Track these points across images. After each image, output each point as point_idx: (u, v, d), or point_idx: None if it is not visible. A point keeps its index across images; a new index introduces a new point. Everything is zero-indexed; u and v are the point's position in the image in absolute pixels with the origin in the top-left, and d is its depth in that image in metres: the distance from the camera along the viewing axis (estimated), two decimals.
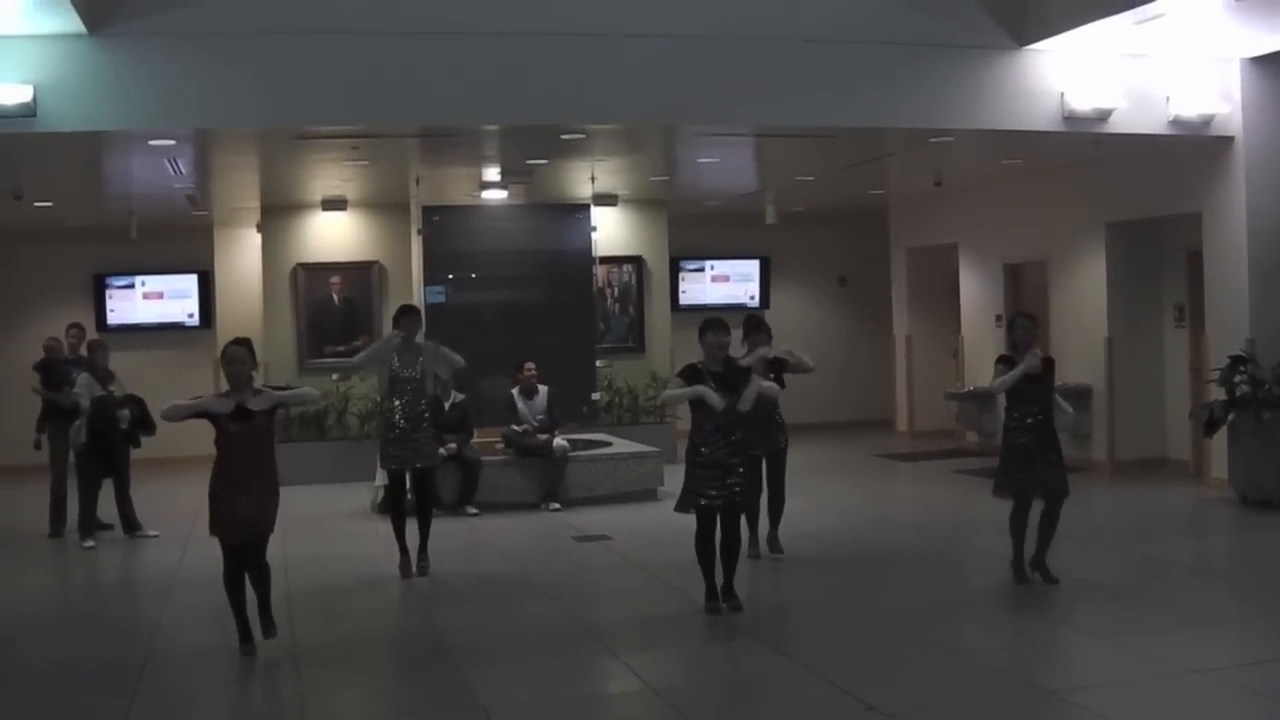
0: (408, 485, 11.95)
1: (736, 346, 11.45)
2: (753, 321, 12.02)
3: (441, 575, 11.64)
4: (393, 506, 12.01)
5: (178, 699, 8.38)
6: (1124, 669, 8.27)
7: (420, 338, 12.00)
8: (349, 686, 8.70)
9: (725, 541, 9.91)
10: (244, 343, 9.18)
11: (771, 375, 11.57)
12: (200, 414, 8.91)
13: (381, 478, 15.17)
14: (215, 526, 8.97)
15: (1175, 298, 16.84)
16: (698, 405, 9.74)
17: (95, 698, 8.28)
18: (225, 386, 9.09)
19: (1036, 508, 10.59)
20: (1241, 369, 14.03)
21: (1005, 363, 10.50)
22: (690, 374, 9.81)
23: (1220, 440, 14.50)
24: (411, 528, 11.76)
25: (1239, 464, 14.15)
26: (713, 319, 10.03)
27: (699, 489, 9.78)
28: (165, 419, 9.09)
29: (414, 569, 11.64)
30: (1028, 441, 10.41)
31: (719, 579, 9.92)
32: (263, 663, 8.91)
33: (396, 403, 11.64)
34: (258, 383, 9.14)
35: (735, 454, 9.78)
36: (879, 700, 7.59)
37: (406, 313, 11.94)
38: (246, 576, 9.11)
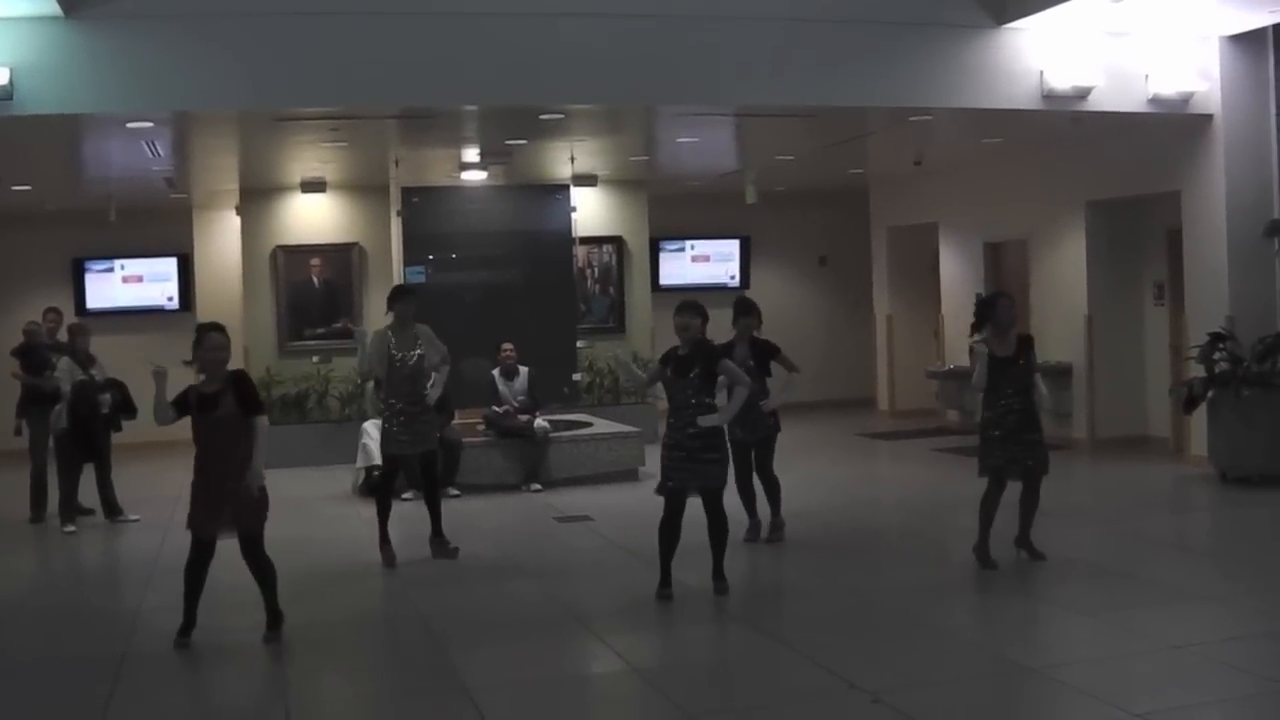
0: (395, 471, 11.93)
1: (725, 329, 11.47)
2: (741, 304, 11.98)
3: (423, 557, 11.62)
4: (382, 494, 11.80)
5: (161, 684, 8.36)
6: (1105, 645, 8.32)
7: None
8: (333, 669, 8.70)
9: (710, 526, 9.91)
10: (222, 329, 9.08)
11: (752, 362, 11.59)
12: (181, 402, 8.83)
13: (363, 460, 15.22)
14: (191, 520, 8.88)
15: (1155, 276, 16.88)
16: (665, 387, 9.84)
17: (78, 683, 8.26)
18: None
19: (1014, 489, 10.58)
20: (1221, 346, 14.08)
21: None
22: (663, 359, 9.91)
23: (1200, 417, 14.54)
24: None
25: (1219, 441, 14.19)
26: (686, 301, 10.02)
27: (664, 472, 9.89)
28: (162, 423, 8.98)
29: (396, 559, 11.56)
30: (1004, 421, 10.38)
31: (670, 564, 9.91)
32: (247, 646, 8.88)
33: (398, 387, 11.54)
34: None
35: (697, 438, 9.78)
36: (862, 678, 7.61)
37: (401, 295, 11.82)
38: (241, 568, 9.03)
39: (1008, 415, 10.35)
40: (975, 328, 10.70)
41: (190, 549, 8.94)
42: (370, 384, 16.25)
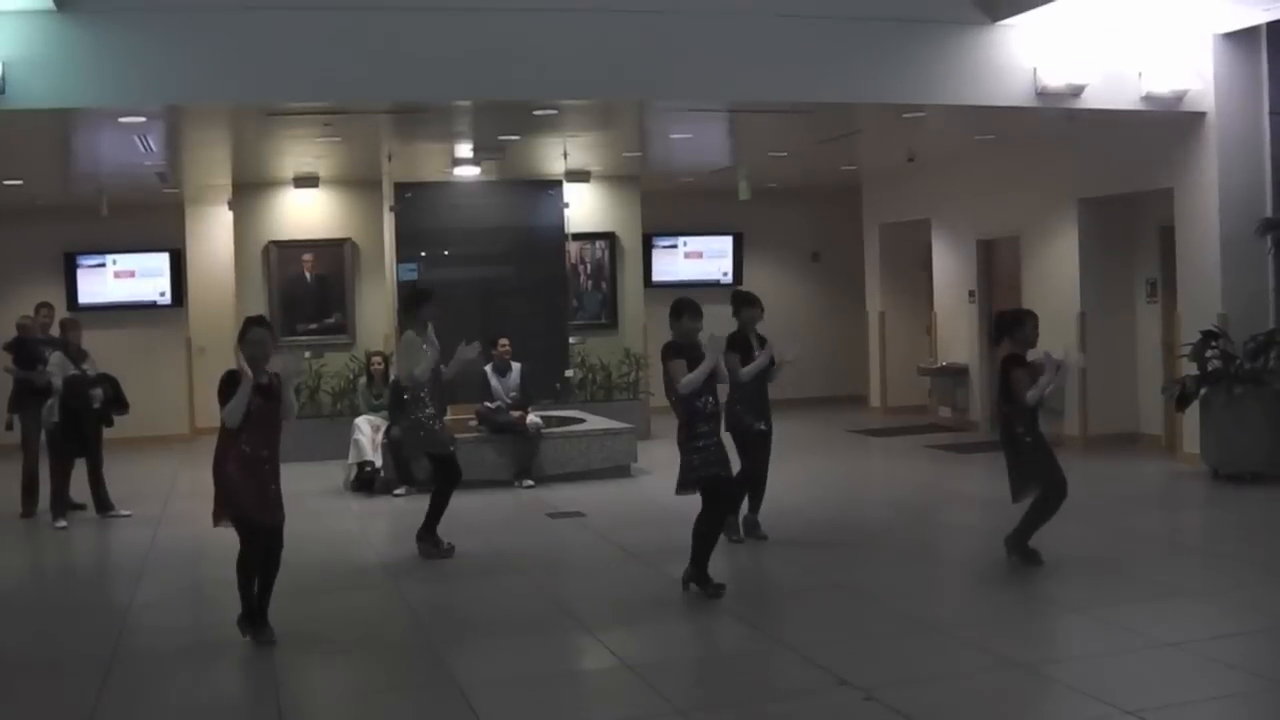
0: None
1: (726, 322, 11.40)
2: (741, 297, 11.89)
3: (414, 552, 11.60)
4: (442, 490, 11.72)
5: (151, 679, 8.33)
6: (1097, 642, 8.32)
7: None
8: (325, 665, 8.68)
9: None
10: (265, 323, 9.13)
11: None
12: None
13: (354, 455, 15.23)
14: (231, 509, 8.81)
15: (1147, 273, 16.88)
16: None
17: (67, 679, 8.25)
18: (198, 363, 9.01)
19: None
20: (1213, 344, 14.09)
21: (1018, 364, 10.34)
22: (677, 352, 9.74)
23: (1192, 415, 14.55)
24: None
25: (1210, 438, 14.20)
26: (687, 301, 9.96)
27: (712, 460, 9.73)
28: (231, 424, 8.77)
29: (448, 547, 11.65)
30: (1036, 434, 10.37)
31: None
32: (237, 643, 8.86)
33: (426, 388, 11.55)
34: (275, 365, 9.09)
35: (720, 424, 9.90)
36: (853, 675, 7.61)
37: (428, 298, 11.75)
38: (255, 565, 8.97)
39: (1035, 427, 10.39)
40: (995, 341, 10.76)
41: (247, 542, 8.85)
42: (363, 379, 16.28)
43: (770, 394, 11.80)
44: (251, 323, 9.08)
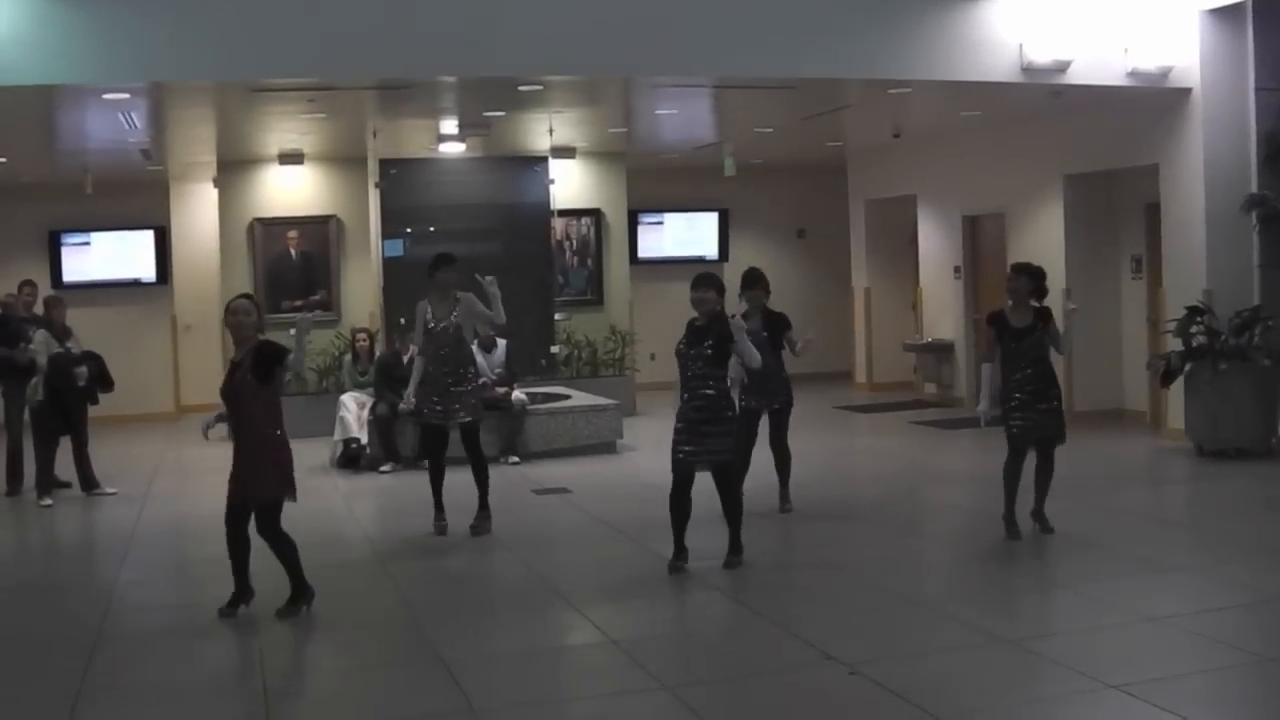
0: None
1: (734, 300, 11.39)
2: (750, 276, 11.98)
3: (400, 529, 11.62)
4: (432, 464, 11.68)
5: (136, 656, 8.33)
6: (1081, 617, 8.36)
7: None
8: (309, 641, 8.69)
9: (721, 502, 9.93)
10: (249, 297, 9.11)
11: (765, 334, 11.58)
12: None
13: (340, 432, 15.21)
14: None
15: (1133, 249, 16.90)
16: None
17: (53, 656, 8.24)
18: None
19: (1030, 459, 10.61)
20: (1198, 320, 14.10)
21: (993, 323, 10.49)
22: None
23: (1177, 391, 14.58)
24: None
25: (1195, 415, 14.23)
26: (702, 274, 10.03)
27: (674, 442, 9.80)
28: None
29: (447, 526, 11.54)
30: (1020, 390, 10.39)
31: (682, 536, 9.88)
32: (222, 619, 8.86)
33: (433, 355, 11.40)
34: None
35: (703, 410, 9.75)
36: (839, 650, 7.62)
37: (442, 263, 11.51)
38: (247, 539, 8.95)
39: (1020, 384, 10.39)
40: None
41: (226, 520, 8.91)
42: (349, 356, 16.27)
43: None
44: (236, 297, 9.12)
